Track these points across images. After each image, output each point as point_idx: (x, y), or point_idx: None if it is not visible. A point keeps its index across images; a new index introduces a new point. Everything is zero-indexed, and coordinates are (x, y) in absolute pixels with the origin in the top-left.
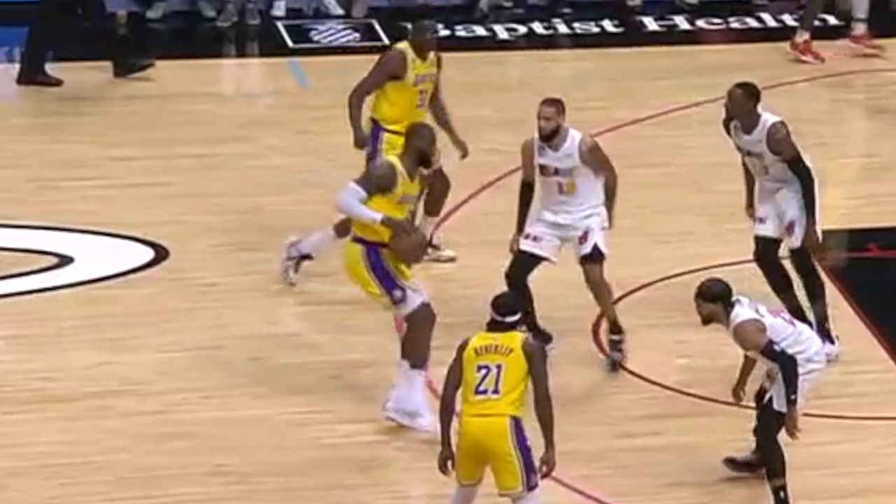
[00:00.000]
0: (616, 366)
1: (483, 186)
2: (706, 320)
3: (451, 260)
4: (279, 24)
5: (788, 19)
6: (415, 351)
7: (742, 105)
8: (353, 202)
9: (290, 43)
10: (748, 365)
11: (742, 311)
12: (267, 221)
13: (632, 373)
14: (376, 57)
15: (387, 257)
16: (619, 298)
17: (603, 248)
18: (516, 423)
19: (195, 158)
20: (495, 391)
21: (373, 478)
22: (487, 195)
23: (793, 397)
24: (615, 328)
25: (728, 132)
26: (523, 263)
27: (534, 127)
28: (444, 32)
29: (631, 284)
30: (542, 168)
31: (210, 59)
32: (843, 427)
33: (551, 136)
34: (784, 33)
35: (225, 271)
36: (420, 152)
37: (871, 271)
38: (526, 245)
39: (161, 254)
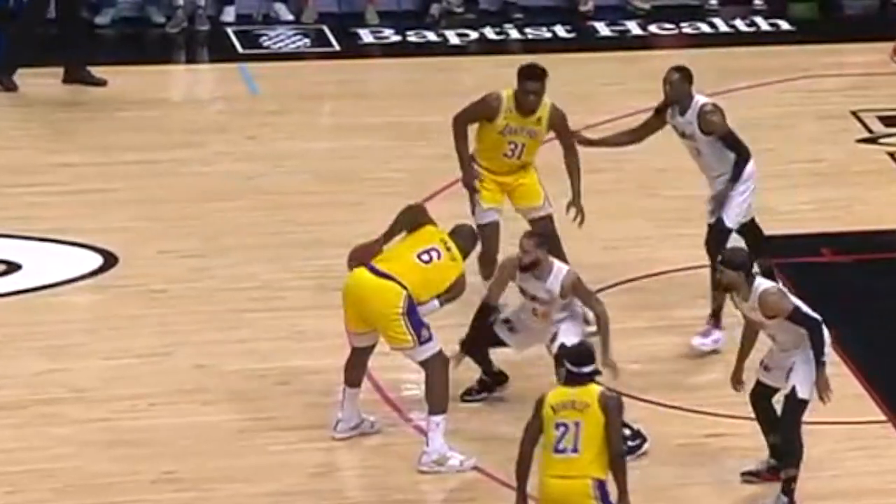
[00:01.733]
0: None
1: (435, 192)
2: (726, 287)
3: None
4: (229, 30)
5: (740, 24)
6: (440, 397)
7: (680, 87)
8: None
9: (239, 49)
10: (745, 351)
11: (764, 281)
12: (216, 228)
13: None
14: (328, 62)
15: None
16: None
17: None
18: (600, 485)
19: (144, 164)
20: (574, 450)
21: (321, 484)
22: (440, 200)
23: (822, 359)
24: None
25: (659, 114)
26: (489, 339)
27: None
28: (395, 38)
29: None
30: (522, 290)
31: (159, 66)
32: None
33: (530, 268)
34: (735, 38)
35: (173, 277)
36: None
37: (824, 276)
38: (499, 329)
39: (110, 260)
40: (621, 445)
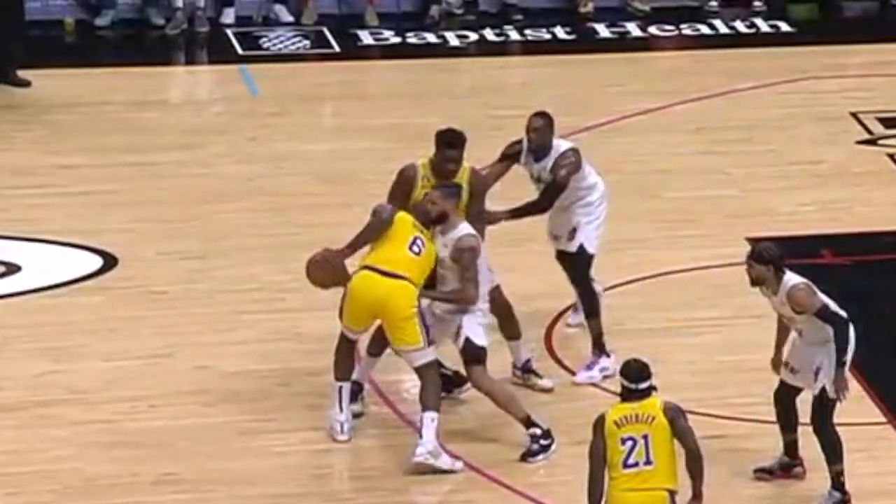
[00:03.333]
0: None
1: None
2: (755, 282)
3: (548, 390)
4: (229, 32)
5: (740, 26)
6: (436, 395)
7: (545, 133)
8: None
9: (239, 50)
10: (782, 338)
11: (794, 276)
12: (216, 229)
13: None
14: (328, 64)
15: None
16: (570, 306)
17: (482, 344)
18: (672, 495)
19: (144, 166)
20: (647, 462)
21: (322, 486)
22: None
23: (844, 359)
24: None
25: (510, 159)
26: None
27: (484, 134)
28: (395, 40)
29: None
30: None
31: (159, 67)
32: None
33: (438, 221)
34: (735, 40)
35: (174, 279)
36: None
37: (824, 277)
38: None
39: (109, 262)
40: (697, 445)
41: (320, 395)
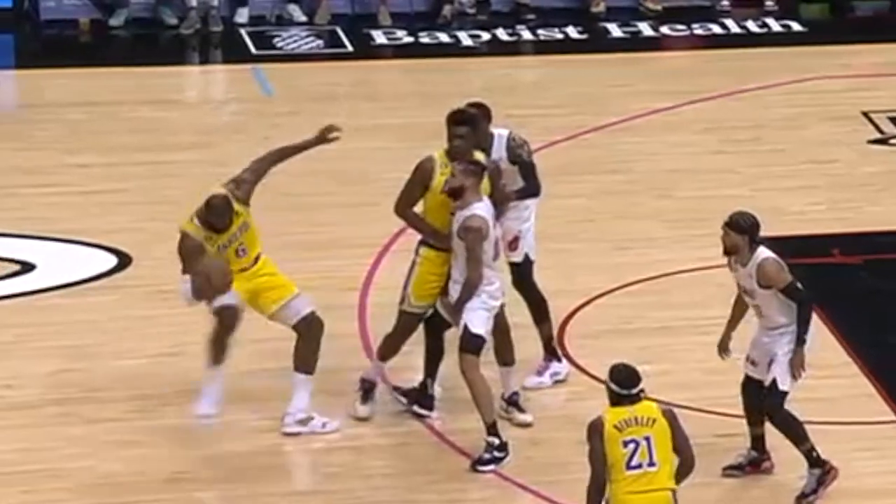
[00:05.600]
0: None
1: None
2: (728, 251)
3: (527, 425)
4: (242, 31)
5: (752, 25)
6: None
7: (480, 125)
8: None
9: (253, 50)
10: (734, 321)
11: (766, 250)
12: None
13: (594, 378)
14: (341, 63)
15: None
16: (581, 306)
17: (478, 332)
18: (674, 495)
19: (158, 165)
20: (651, 464)
21: (336, 484)
22: None
23: (804, 337)
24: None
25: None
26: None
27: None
28: (408, 39)
29: (593, 291)
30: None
31: (173, 67)
32: (808, 432)
33: (454, 195)
34: (747, 40)
35: None
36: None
37: (834, 276)
38: (440, 305)
39: (123, 261)
40: (692, 451)
41: (332, 394)
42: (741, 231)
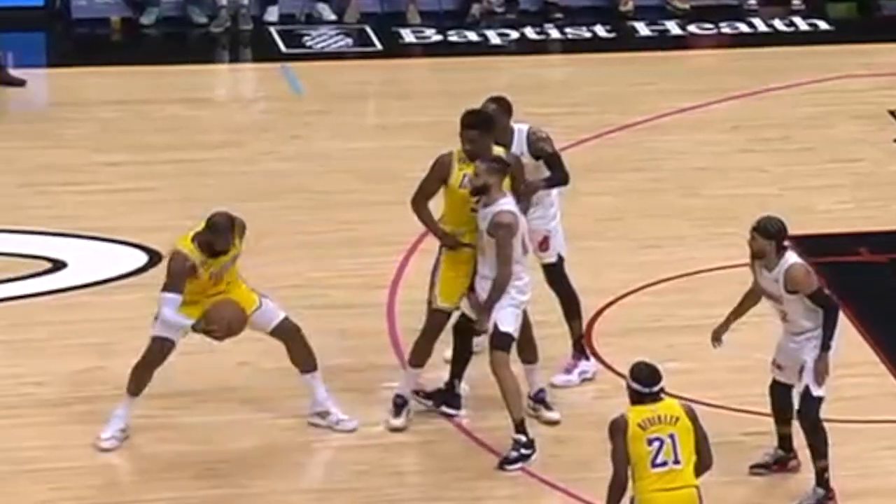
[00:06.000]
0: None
1: None
2: (756, 255)
3: (554, 423)
4: (272, 30)
5: (779, 24)
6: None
7: (500, 120)
8: (171, 313)
9: (282, 48)
10: (738, 312)
11: (794, 255)
12: (257, 226)
13: (621, 376)
14: (370, 62)
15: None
16: (609, 304)
17: (507, 330)
18: (698, 492)
19: (188, 163)
20: (676, 461)
21: (363, 482)
22: None
23: (830, 344)
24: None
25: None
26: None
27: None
28: (436, 38)
29: (620, 289)
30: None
31: (203, 65)
32: (832, 430)
33: (479, 192)
34: (774, 38)
35: None
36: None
37: (861, 275)
38: (464, 306)
39: (153, 258)
40: (710, 448)
41: (362, 392)
42: (769, 236)
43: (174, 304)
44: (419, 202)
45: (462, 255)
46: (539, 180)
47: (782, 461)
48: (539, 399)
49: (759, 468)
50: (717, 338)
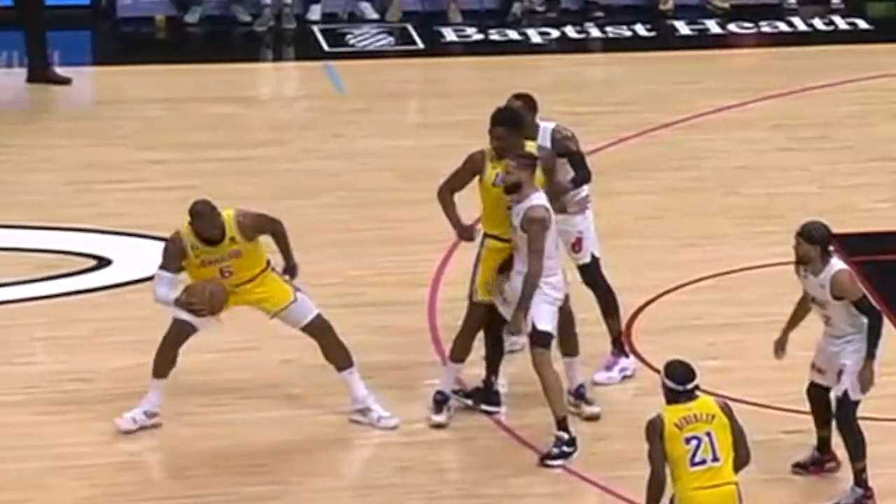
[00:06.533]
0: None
1: None
2: (801, 260)
3: (595, 417)
4: (315, 28)
5: (818, 23)
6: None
7: (525, 116)
8: (164, 291)
9: (325, 47)
10: (793, 322)
11: (839, 261)
12: (301, 224)
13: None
14: (411, 60)
15: None
16: (649, 302)
17: (545, 328)
18: (738, 489)
19: (231, 161)
20: (715, 459)
21: (406, 478)
22: None
23: (874, 352)
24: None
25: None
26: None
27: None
28: (478, 37)
29: (660, 287)
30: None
31: (246, 63)
32: (873, 428)
33: (512, 190)
34: (813, 37)
35: None
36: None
37: None
38: (497, 302)
39: None
40: (748, 445)
41: (403, 388)
42: (812, 241)
43: (163, 281)
44: (444, 192)
45: (507, 248)
46: (567, 181)
47: (820, 462)
48: (579, 395)
49: (799, 468)
50: (780, 349)
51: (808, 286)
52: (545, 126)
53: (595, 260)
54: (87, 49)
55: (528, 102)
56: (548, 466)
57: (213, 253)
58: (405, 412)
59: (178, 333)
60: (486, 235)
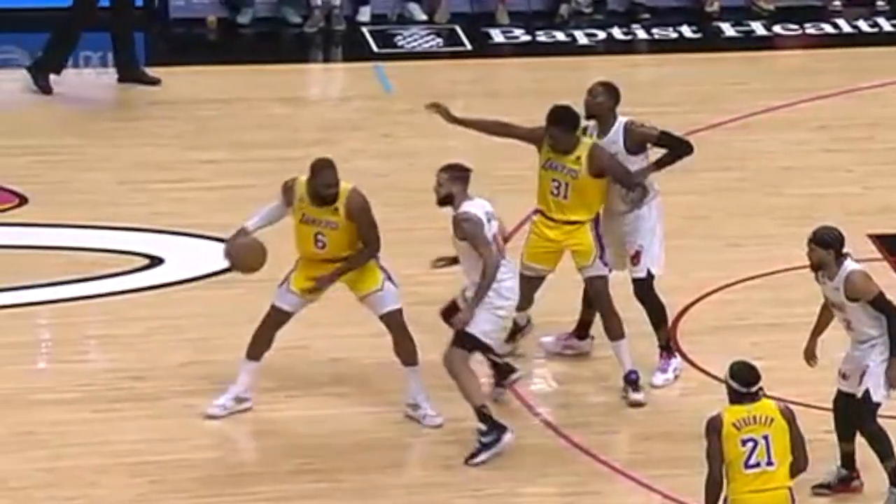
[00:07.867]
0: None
1: None
2: (815, 266)
3: (640, 405)
4: (364, 30)
5: (863, 25)
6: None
7: (606, 102)
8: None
9: (374, 48)
10: (819, 327)
11: (853, 263)
12: None
13: (708, 374)
14: (460, 61)
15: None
16: (694, 301)
17: (473, 332)
18: (791, 494)
19: (281, 161)
20: (769, 463)
21: (455, 476)
22: None
23: None
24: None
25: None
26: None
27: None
28: (525, 38)
29: (706, 287)
30: None
31: (297, 64)
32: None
33: (444, 203)
34: (858, 39)
35: None
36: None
37: None
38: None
39: None
40: (806, 451)
41: (454, 387)
42: (826, 246)
43: (262, 210)
44: (492, 121)
45: (553, 226)
46: (648, 165)
47: (845, 480)
48: (629, 380)
49: (821, 488)
50: (811, 356)
51: (827, 291)
52: (620, 119)
53: (650, 277)
54: (139, 50)
55: (610, 90)
56: (473, 465)
57: (314, 212)
58: (455, 410)
59: (272, 319)
60: (535, 211)
